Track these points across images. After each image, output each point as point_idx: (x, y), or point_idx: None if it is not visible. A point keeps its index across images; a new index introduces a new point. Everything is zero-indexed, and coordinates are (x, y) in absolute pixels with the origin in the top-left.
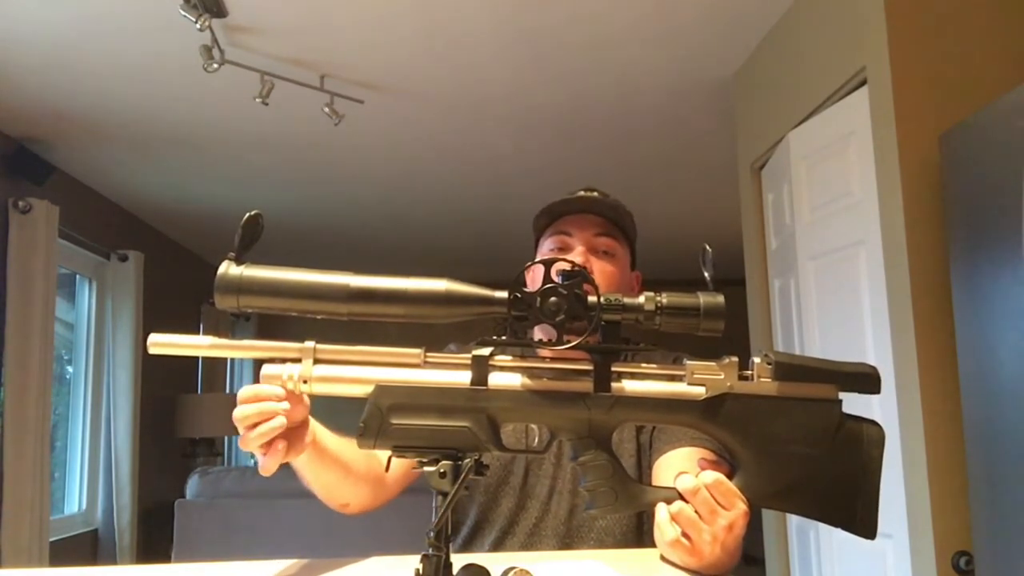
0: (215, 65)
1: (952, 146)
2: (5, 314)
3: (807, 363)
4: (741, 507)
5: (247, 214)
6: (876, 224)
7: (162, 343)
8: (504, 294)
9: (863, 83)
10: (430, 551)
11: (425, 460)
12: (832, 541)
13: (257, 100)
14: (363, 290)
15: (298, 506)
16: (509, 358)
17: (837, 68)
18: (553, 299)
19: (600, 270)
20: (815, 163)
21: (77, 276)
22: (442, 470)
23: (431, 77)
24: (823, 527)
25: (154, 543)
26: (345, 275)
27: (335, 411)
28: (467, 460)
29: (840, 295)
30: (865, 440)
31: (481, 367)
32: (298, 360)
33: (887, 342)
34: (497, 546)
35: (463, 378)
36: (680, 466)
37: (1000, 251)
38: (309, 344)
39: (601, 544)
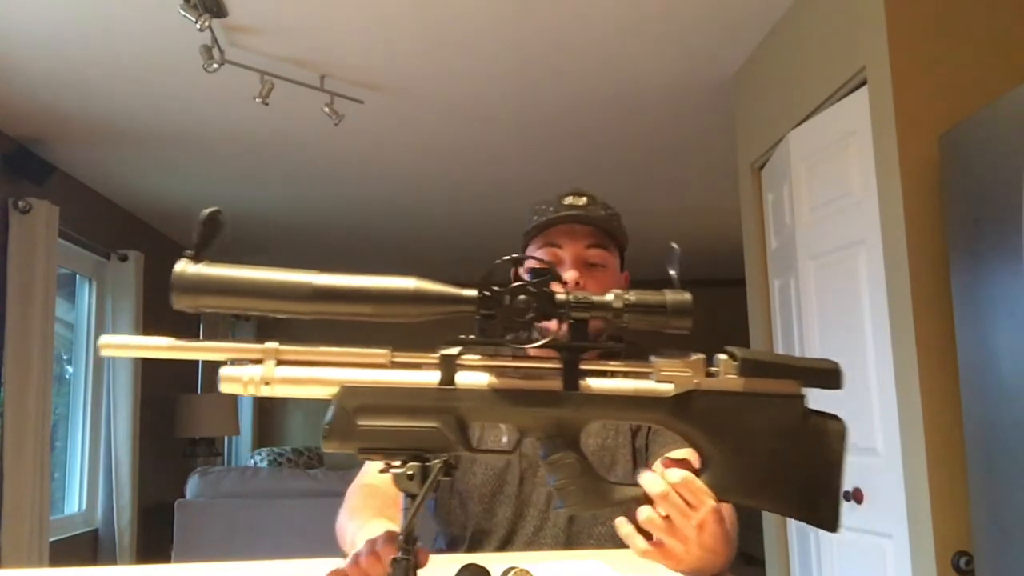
0: (215, 65)
1: (952, 146)
2: (5, 314)
3: (771, 359)
4: (710, 504)
5: (206, 211)
6: (876, 224)
7: (114, 344)
8: (473, 292)
9: (863, 83)
10: (399, 555)
11: (392, 462)
12: (832, 541)
13: (257, 100)
14: (327, 289)
15: (298, 506)
16: (477, 357)
17: (837, 68)
18: (522, 297)
19: (594, 285)
20: (815, 163)
21: (77, 276)
22: (410, 472)
23: (431, 77)
24: None
25: (154, 543)
26: (309, 273)
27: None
28: (436, 461)
29: (840, 295)
30: (828, 434)
31: (449, 367)
32: (260, 361)
33: (887, 342)
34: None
35: (431, 378)
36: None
37: (1000, 251)
38: (271, 345)
39: (602, 549)
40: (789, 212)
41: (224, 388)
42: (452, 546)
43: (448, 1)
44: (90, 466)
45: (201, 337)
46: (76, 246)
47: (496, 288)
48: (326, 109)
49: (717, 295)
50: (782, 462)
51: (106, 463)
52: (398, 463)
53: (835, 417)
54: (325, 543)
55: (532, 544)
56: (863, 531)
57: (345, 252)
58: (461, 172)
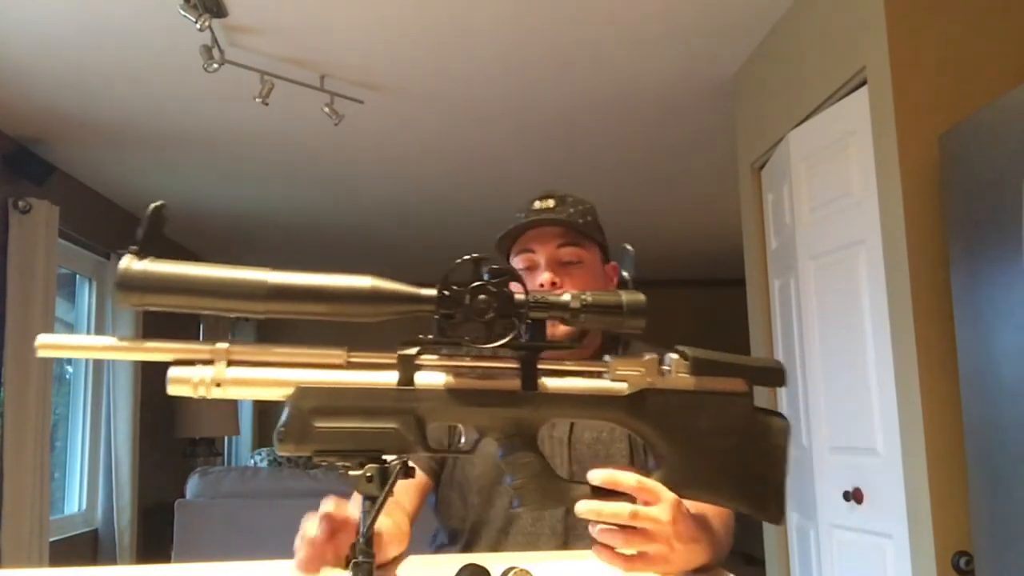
0: (215, 65)
1: (952, 146)
2: (5, 314)
3: (720, 358)
4: (669, 497)
5: (152, 205)
6: (876, 224)
7: (51, 344)
8: (432, 292)
9: (863, 83)
10: (360, 558)
11: (348, 465)
12: (832, 541)
13: (257, 100)
14: (282, 287)
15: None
16: (435, 357)
17: (837, 68)
18: (482, 297)
19: (571, 283)
20: (815, 163)
21: (77, 276)
22: (369, 474)
23: (431, 77)
24: (823, 527)
25: (154, 543)
26: (264, 271)
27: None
28: (395, 462)
29: (840, 295)
30: (773, 431)
31: (408, 367)
32: (210, 362)
33: (887, 342)
34: (495, 547)
35: (389, 378)
36: None
37: (1000, 251)
38: (222, 345)
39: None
40: (789, 212)
41: (173, 390)
42: (452, 540)
43: (448, 1)
44: (90, 466)
45: (201, 337)
46: (76, 246)
47: (456, 288)
48: (326, 109)
49: (717, 295)
50: (731, 458)
51: (106, 463)
52: (355, 465)
53: (779, 415)
54: None
55: (530, 535)
56: (863, 531)
57: (345, 252)
58: (461, 172)
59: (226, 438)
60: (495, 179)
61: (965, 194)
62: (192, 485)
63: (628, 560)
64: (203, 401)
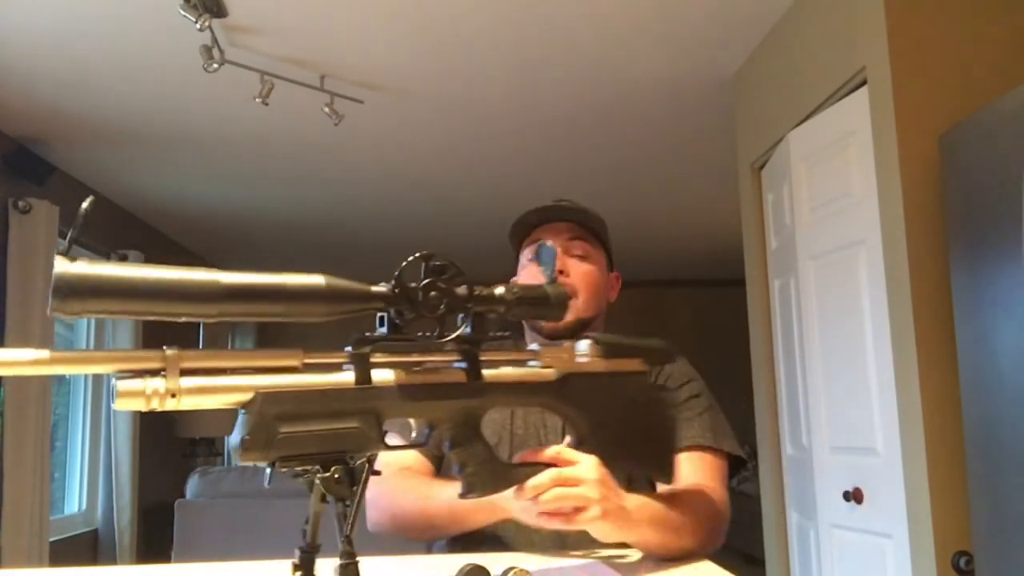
0: (215, 65)
1: (952, 146)
2: (5, 314)
3: (623, 342)
4: (587, 457)
5: (88, 200)
6: (876, 224)
7: None
8: (383, 288)
9: (863, 83)
10: (345, 560)
11: (310, 469)
12: (832, 541)
13: (257, 100)
14: (237, 287)
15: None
16: (386, 355)
17: (837, 68)
18: (434, 293)
19: (576, 271)
20: (815, 163)
21: None
22: (337, 475)
23: (431, 77)
24: (823, 527)
25: (154, 543)
26: (214, 271)
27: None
28: (361, 461)
29: (840, 295)
30: (664, 403)
31: (363, 365)
32: (159, 372)
33: (887, 342)
34: (491, 536)
35: (346, 378)
36: (683, 470)
37: (1000, 251)
38: (172, 351)
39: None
40: (789, 212)
41: (121, 404)
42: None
43: (448, 2)
44: (90, 466)
45: (201, 345)
46: (76, 246)
47: (411, 285)
48: (326, 109)
49: (717, 295)
50: (636, 428)
51: (106, 463)
52: (321, 468)
53: (665, 388)
54: (324, 543)
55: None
56: (863, 531)
57: (345, 252)
58: (461, 172)
59: (226, 438)
60: (495, 179)
61: (965, 194)
62: (192, 485)
63: (572, 515)
64: None
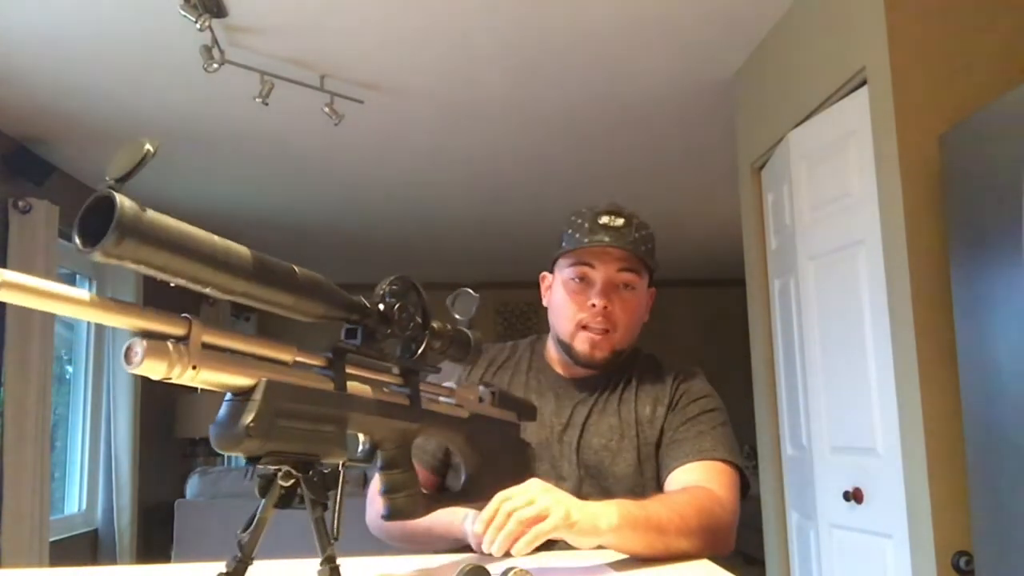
0: (215, 65)
1: (952, 146)
2: (5, 314)
3: (508, 395)
4: (526, 484)
5: (139, 141)
6: (876, 224)
7: (13, 283)
8: (365, 303)
9: (863, 83)
10: (327, 564)
11: (282, 469)
12: (832, 541)
13: (257, 100)
14: (265, 267)
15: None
16: (355, 367)
17: (837, 68)
18: (404, 315)
19: (620, 307)
20: (815, 163)
21: (77, 276)
22: (316, 477)
23: (431, 77)
24: (823, 527)
25: (154, 543)
26: (244, 248)
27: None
28: (336, 465)
29: (840, 295)
30: (526, 450)
31: (341, 373)
32: (185, 339)
33: (887, 342)
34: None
35: (324, 383)
36: (694, 478)
37: (1000, 251)
38: (196, 321)
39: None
40: (789, 212)
41: (146, 367)
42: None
43: (448, 1)
44: (90, 466)
45: None
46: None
47: (392, 302)
48: (326, 109)
49: (717, 295)
50: (506, 468)
51: (106, 463)
52: (299, 469)
53: (527, 442)
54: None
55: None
56: (863, 531)
57: (345, 252)
58: (461, 172)
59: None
60: (495, 179)
61: (965, 194)
62: (192, 485)
63: (535, 523)
64: (203, 400)
